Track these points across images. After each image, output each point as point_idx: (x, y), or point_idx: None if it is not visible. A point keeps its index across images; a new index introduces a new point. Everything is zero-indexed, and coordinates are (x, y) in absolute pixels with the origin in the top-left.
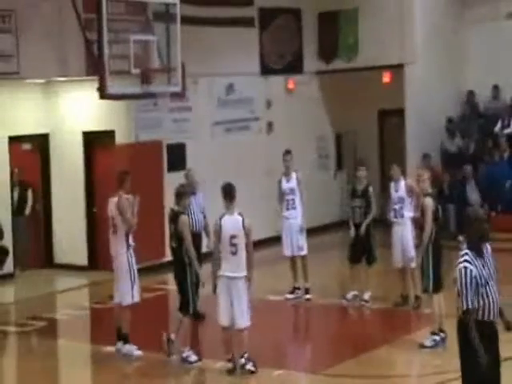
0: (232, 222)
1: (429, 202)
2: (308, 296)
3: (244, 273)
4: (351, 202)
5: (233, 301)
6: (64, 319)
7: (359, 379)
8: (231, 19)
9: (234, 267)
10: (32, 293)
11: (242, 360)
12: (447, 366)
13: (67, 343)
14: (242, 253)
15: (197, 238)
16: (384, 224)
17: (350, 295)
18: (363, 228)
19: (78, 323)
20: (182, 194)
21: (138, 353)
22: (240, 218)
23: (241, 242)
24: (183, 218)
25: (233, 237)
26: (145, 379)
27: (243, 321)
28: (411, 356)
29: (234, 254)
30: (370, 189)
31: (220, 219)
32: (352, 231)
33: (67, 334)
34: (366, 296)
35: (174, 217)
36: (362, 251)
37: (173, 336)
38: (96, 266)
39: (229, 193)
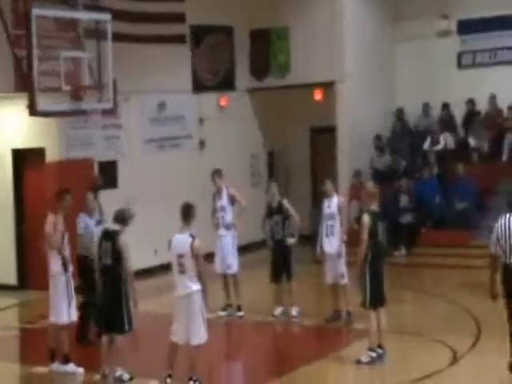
0: (181, 242)
1: (365, 219)
2: (240, 313)
3: (195, 287)
4: (269, 220)
5: (187, 318)
6: None
7: None
8: (163, 36)
9: (183, 286)
10: None
11: (191, 383)
12: (382, 381)
13: None
14: (191, 272)
15: None
16: (314, 240)
17: (277, 311)
18: (293, 240)
19: (8, 343)
20: (128, 218)
21: (81, 370)
22: (189, 239)
23: (187, 262)
24: (124, 240)
25: (180, 256)
26: None
27: (198, 338)
28: (344, 372)
29: (183, 273)
30: (285, 201)
31: (172, 237)
32: (273, 247)
33: None
34: (294, 312)
35: (112, 235)
36: (282, 268)
37: (107, 371)
38: (26, 285)
39: (184, 213)
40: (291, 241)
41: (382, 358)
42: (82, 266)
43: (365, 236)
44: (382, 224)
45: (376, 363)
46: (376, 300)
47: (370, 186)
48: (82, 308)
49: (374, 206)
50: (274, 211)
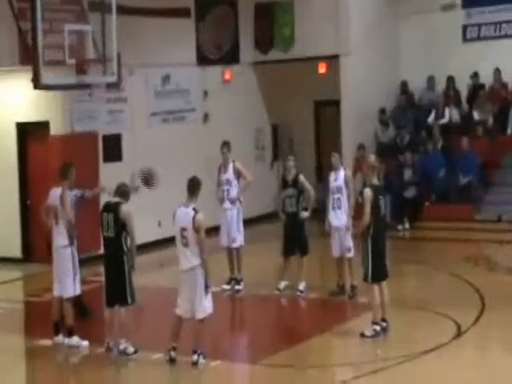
0: (184, 215)
1: (367, 192)
2: (238, 287)
3: (198, 261)
4: (282, 192)
5: (191, 291)
6: None
7: (298, 368)
8: (167, 9)
9: (186, 259)
10: None
11: (195, 356)
12: (385, 355)
13: (1, 337)
14: (194, 245)
15: None
16: (321, 214)
17: (281, 285)
18: (306, 214)
19: (12, 316)
20: (128, 192)
21: (86, 343)
22: (192, 213)
23: (190, 235)
24: (127, 209)
25: (183, 229)
26: (82, 371)
27: (202, 311)
28: (348, 345)
29: (186, 246)
30: (301, 176)
31: (176, 209)
32: (284, 221)
33: (1, 327)
34: (301, 287)
35: (113, 206)
36: (295, 242)
37: (111, 344)
38: (31, 258)
39: (189, 186)
40: (304, 214)
41: (386, 332)
42: None
43: (367, 209)
44: (383, 197)
45: (380, 336)
46: (378, 274)
47: (371, 158)
48: None
49: (375, 180)
50: (288, 184)
